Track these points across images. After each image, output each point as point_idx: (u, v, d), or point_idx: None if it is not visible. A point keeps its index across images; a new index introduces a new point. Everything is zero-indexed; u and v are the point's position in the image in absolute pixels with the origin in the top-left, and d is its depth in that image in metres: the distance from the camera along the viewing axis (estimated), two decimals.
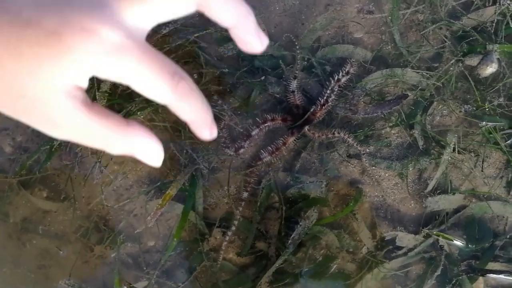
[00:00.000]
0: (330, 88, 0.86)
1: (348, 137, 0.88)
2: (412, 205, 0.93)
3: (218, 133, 0.90)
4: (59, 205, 0.88)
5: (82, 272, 0.89)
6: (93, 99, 0.89)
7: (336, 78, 0.86)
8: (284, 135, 0.90)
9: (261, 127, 0.88)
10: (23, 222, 0.90)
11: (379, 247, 0.91)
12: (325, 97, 0.86)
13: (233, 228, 0.90)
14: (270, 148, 0.89)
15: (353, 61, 0.88)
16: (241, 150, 0.89)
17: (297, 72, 0.88)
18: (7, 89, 0.34)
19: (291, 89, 0.87)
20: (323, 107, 0.87)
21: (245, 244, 0.92)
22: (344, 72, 0.86)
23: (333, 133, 0.88)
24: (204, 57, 0.91)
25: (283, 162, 0.93)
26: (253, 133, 0.89)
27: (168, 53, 0.92)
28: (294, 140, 0.90)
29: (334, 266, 0.93)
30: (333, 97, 0.86)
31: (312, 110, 0.88)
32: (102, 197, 0.89)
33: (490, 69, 0.90)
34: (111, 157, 0.91)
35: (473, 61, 0.91)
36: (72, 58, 0.32)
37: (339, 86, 0.87)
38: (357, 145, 0.88)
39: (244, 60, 0.93)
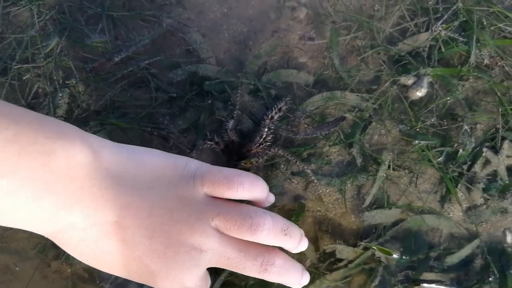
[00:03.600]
0: (266, 127, 0.91)
1: (289, 155, 0.94)
2: (352, 219, 0.99)
3: (168, 151, 0.96)
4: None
5: (41, 286, 0.94)
6: None
7: (270, 115, 0.92)
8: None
9: (207, 142, 0.93)
10: None
11: (321, 259, 0.97)
12: (263, 137, 0.92)
13: None
14: None
15: (287, 100, 0.93)
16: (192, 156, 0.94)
17: (234, 113, 0.94)
18: None
19: (226, 128, 0.92)
20: (260, 146, 0.92)
21: None
22: (276, 109, 0.92)
23: (276, 151, 0.94)
24: (154, 83, 0.97)
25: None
26: (198, 143, 0.94)
27: (121, 79, 0.99)
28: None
29: None
30: (270, 136, 0.92)
31: (246, 148, 0.94)
32: None
33: (419, 94, 0.97)
34: None
35: (408, 79, 0.97)
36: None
37: (274, 121, 0.93)
38: (298, 162, 0.95)
39: (194, 84, 0.99)
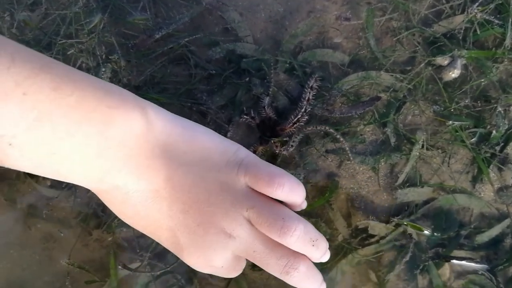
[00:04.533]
0: (302, 108, 0.93)
1: (328, 129, 0.96)
2: (385, 197, 1.00)
3: (207, 127, 0.98)
4: (61, 192, 0.97)
5: (82, 254, 0.97)
6: None
7: (306, 97, 0.94)
8: (254, 144, 0.98)
9: (243, 116, 0.96)
10: (28, 208, 0.98)
11: (353, 235, 0.99)
12: (297, 117, 0.93)
13: None
14: None
15: (317, 77, 0.95)
16: (229, 134, 0.96)
17: (269, 90, 0.96)
18: None
19: (263, 105, 0.94)
20: (294, 125, 0.94)
21: None
22: (308, 87, 0.94)
23: (315, 127, 0.96)
24: (193, 60, 1.00)
25: (266, 156, 1.01)
26: (235, 119, 0.97)
27: (161, 56, 1.01)
28: (263, 150, 0.99)
29: None
30: (305, 117, 0.94)
31: (281, 126, 0.96)
32: None
33: (453, 75, 0.98)
34: None
35: (444, 60, 0.98)
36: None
37: (310, 101, 0.95)
38: (337, 135, 0.96)
39: (231, 62, 1.01)
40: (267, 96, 0.96)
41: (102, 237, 0.99)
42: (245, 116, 0.96)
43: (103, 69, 0.98)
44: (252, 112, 0.96)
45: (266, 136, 0.98)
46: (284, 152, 0.96)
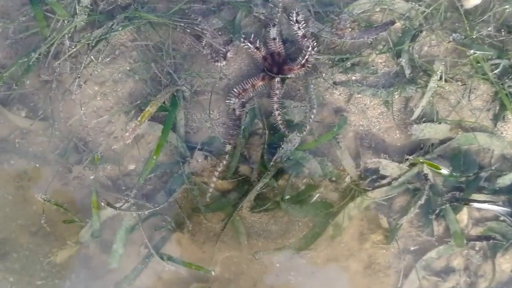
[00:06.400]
0: (309, 48, 0.85)
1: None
2: (398, 135, 0.92)
3: (201, 51, 0.88)
4: (38, 124, 0.87)
5: (60, 194, 0.88)
6: (74, 13, 0.87)
7: (301, 34, 0.86)
8: (255, 76, 0.89)
9: (245, 42, 0.86)
10: (0, 141, 0.88)
11: (362, 176, 0.91)
12: (305, 58, 0.85)
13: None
14: (235, 90, 0.87)
15: (297, 11, 0.86)
16: (229, 54, 0.87)
17: (277, 20, 0.86)
18: None
19: (271, 37, 0.86)
20: (303, 67, 0.86)
21: (229, 168, 0.90)
22: (294, 22, 0.85)
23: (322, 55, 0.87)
24: None
25: (268, 87, 0.91)
26: (236, 42, 0.87)
27: None
28: (262, 85, 0.89)
29: (317, 195, 0.91)
30: (312, 58, 0.86)
31: (288, 66, 0.88)
32: (81, 113, 0.86)
33: (474, 1, 0.89)
34: (90, 73, 0.88)
35: None
36: None
37: (309, 37, 0.86)
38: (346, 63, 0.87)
39: None
40: (274, 26, 0.87)
41: (84, 174, 0.88)
42: (247, 43, 0.86)
43: None
44: (257, 41, 0.87)
45: (271, 72, 0.88)
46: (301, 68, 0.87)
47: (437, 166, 0.88)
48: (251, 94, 0.89)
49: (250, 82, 0.89)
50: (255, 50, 0.87)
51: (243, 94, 0.88)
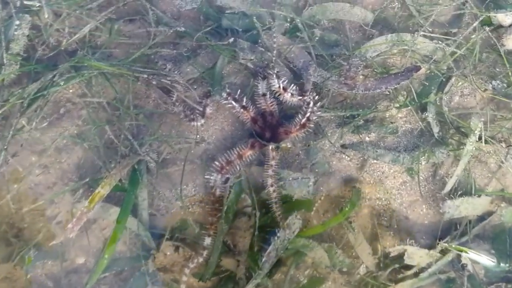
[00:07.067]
0: (310, 105, 0.69)
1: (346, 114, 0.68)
2: (425, 210, 0.74)
3: (171, 109, 0.69)
4: None
5: None
6: (1, 64, 0.67)
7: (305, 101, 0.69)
8: (242, 144, 0.71)
9: (227, 98, 0.68)
10: None
11: (381, 265, 0.73)
12: (305, 117, 0.69)
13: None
14: (217, 163, 0.70)
15: (277, 72, 0.69)
16: (208, 110, 0.70)
17: (269, 71, 0.68)
18: None
19: (261, 92, 0.70)
20: (302, 128, 0.70)
21: (208, 264, 0.70)
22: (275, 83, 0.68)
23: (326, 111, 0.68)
24: (154, 13, 0.71)
25: (258, 153, 0.72)
26: (215, 97, 0.69)
27: (106, 6, 0.71)
28: (251, 155, 0.70)
29: None
30: (315, 115, 0.69)
31: (285, 128, 0.72)
32: (8, 198, 0.66)
33: None
34: (21, 144, 0.68)
35: (506, 18, 0.72)
36: None
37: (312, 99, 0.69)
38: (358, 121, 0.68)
39: (208, 19, 0.73)
40: (264, 79, 0.69)
41: (14, 274, 0.70)
42: (231, 101, 0.68)
43: (18, 22, 0.66)
44: (244, 99, 0.69)
45: (263, 138, 0.69)
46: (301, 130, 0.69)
47: (479, 254, 0.69)
48: (238, 168, 0.70)
49: (236, 152, 0.71)
50: (242, 110, 0.68)
51: (227, 168, 0.69)
